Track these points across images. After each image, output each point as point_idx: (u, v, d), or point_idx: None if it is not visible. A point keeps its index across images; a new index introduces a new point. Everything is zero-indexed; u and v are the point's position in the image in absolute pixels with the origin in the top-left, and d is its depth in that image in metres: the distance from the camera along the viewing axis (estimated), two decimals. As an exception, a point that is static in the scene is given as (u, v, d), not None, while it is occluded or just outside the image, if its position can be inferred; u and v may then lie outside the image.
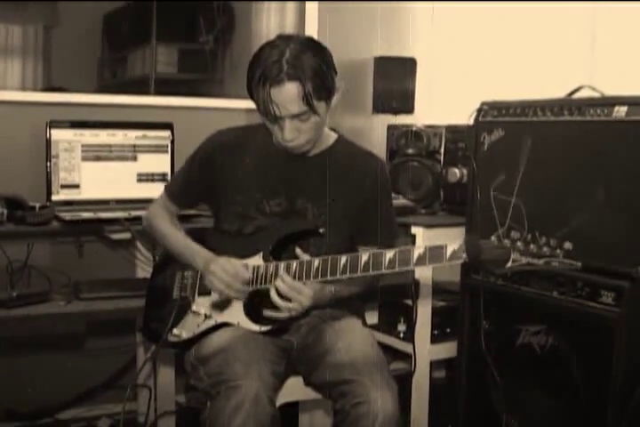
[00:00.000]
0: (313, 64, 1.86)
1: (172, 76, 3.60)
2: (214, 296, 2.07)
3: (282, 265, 1.97)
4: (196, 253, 2.11)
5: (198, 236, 2.20)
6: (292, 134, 1.92)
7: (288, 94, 1.85)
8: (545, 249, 1.76)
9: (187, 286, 2.16)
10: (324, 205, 2.08)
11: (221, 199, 2.14)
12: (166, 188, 2.28)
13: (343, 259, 1.90)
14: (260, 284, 2.00)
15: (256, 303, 2.03)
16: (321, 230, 2.05)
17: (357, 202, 2.11)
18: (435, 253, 1.81)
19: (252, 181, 2.10)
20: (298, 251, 1.99)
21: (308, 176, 2.09)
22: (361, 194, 2.12)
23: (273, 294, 1.94)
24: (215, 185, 2.14)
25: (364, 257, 1.88)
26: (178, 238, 2.18)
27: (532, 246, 1.77)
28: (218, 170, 2.12)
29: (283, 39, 1.91)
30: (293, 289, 1.92)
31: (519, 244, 1.77)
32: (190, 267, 2.15)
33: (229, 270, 1.97)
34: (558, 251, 1.76)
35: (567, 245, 1.77)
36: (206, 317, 2.07)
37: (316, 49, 1.91)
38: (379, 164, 2.17)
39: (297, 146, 1.97)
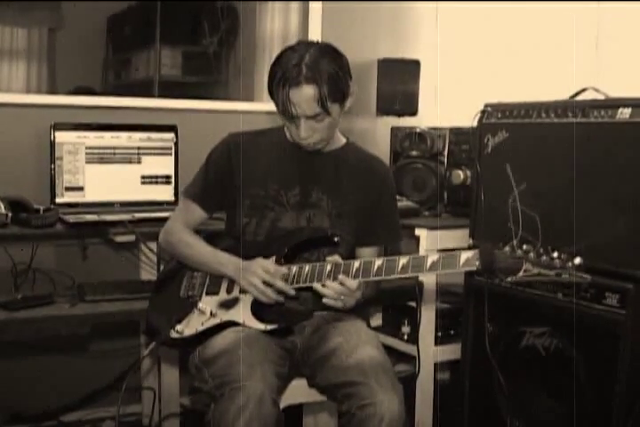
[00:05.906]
0: (330, 69, 1.96)
1: (176, 78, 3.61)
2: (222, 295, 2.10)
3: (294, 268, 2.03)
4: (226, 259, 2.13)
5: (210, 241, 2.21)
6: (307, 133, 2.02)
7: (305, 96, 1.94)
8: (556, 261, 1.77)
9: (195, 285, 2.18)
10: (338, 198, 2.15)
11: (239, 196, 2.17)
12: (186, 192, 2.26)
13: (356, 264, 1.96)
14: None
15: (262, 302, 2.04)
16: (336, 239, 2.09)
17: (366, 201, 2.18)
18: (448, 261, 1.87)
19: (269, 175, 2.16)
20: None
21: (322, 170, 2.17)
22: (369, 194, 2.18)
23: (322, 289, 1.97)
24: (233, 183, 2.16)
25: (378, 263, 1.94)
26: (202, 248, 2.19)
27: (544, 258, 1.78)
28: (234, 168, 2.16)
29: (303, 44, 2.03)
30: (342, 291, 1.96)
31: (531, 255, 1.79)
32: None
33: (270, 269, 2.01)
34: (570, 264, 1.77)
35: (577, 260, 1.77)
36: (212, 315, 2.08)
37: (333, 55, 2.01)
38: (386, 168, 2.30)
39: (311, 143, 2.06)
